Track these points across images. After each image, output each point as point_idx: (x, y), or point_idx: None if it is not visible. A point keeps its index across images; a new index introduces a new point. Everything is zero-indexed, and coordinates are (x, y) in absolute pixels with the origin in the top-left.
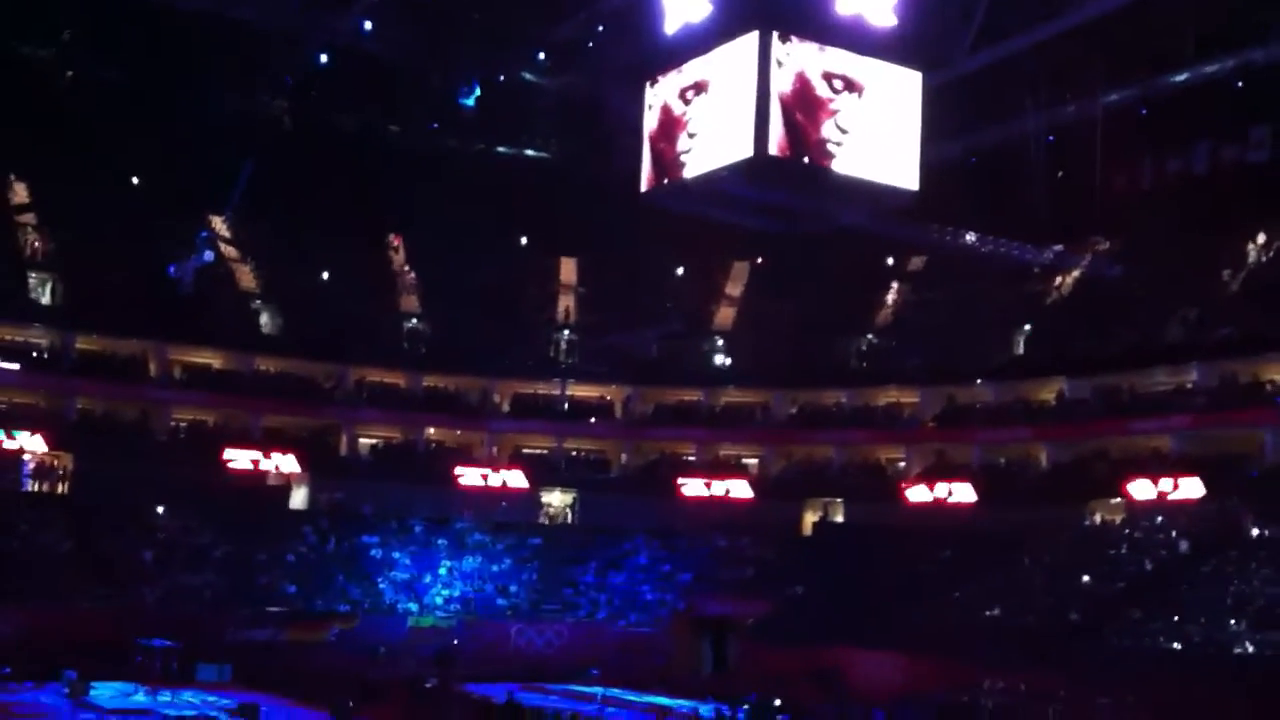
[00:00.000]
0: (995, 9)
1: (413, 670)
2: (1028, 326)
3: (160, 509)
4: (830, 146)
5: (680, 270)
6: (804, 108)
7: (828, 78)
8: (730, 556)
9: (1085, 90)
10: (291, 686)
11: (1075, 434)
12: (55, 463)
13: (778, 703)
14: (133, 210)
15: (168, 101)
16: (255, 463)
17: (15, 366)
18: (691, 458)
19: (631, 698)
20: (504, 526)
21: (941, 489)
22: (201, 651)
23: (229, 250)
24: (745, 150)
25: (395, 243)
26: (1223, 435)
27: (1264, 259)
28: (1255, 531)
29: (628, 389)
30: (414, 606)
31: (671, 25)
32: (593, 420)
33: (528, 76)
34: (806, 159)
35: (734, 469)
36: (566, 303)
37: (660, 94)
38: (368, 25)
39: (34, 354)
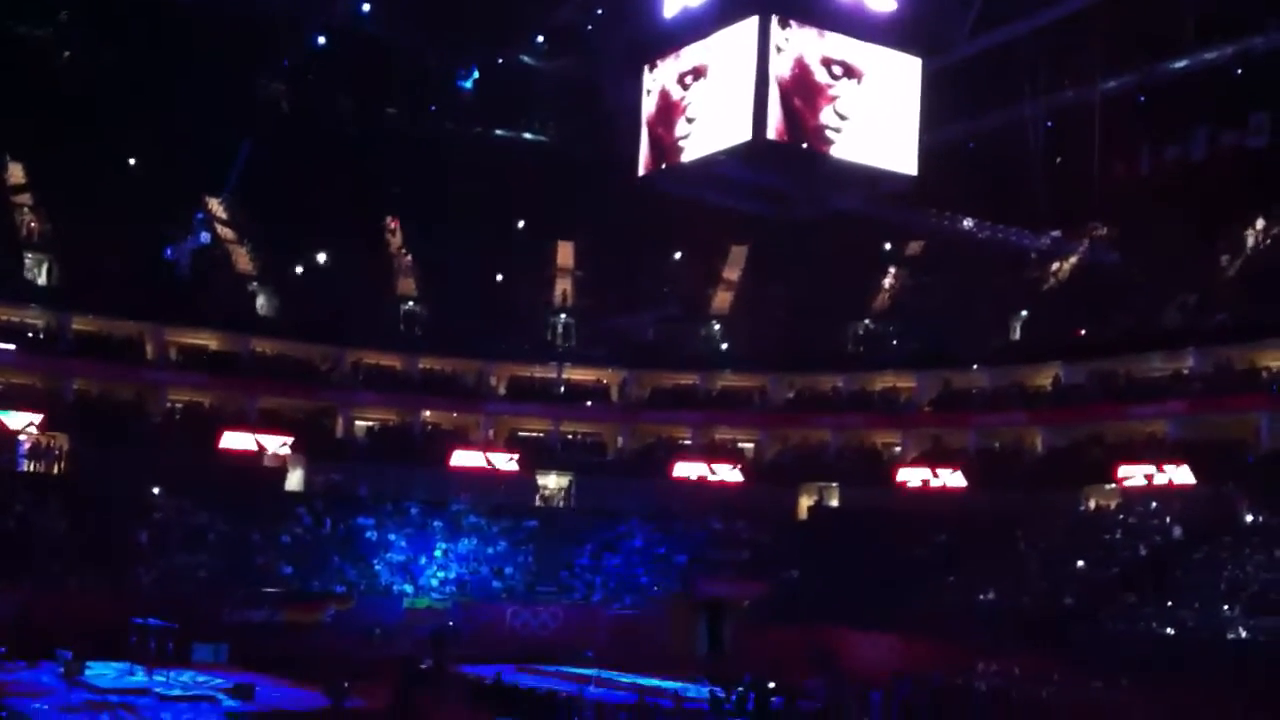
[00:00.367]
0: None
1: (408, 651)
2: (1025, 312)
3: (156, 490)
4: (829, 132)
5: (677, 254)
6: (803, 93)
7: (827, 63)
8: (726, 540)
9: (1084, 76)
10: (287, 667)
11: (1071, 419)
12: (51, 443)
13: (772, 684)
14: (129, 191)
15: (165, 83)
16: (251, 444)
17: (11, 347)
18: (687, 441)
19: (626, 679)
20: (500, 509)
21: (937, 473)
22: (197, 632)
23: (225, 232)
24: (744, 135)
25: (392, 226)
26: (1218, 421)
27: (1262, 245)
28: (1250, 517)
29: (624, 373)
30: (409, 588)
31: (670, 9)
32: (589, 404)
33: (526, 60)
34: (805, 144)
35: (730, 453)
36: (563, 286)
37: (658, 78)
38: (365, 7)
39: (30, 335)
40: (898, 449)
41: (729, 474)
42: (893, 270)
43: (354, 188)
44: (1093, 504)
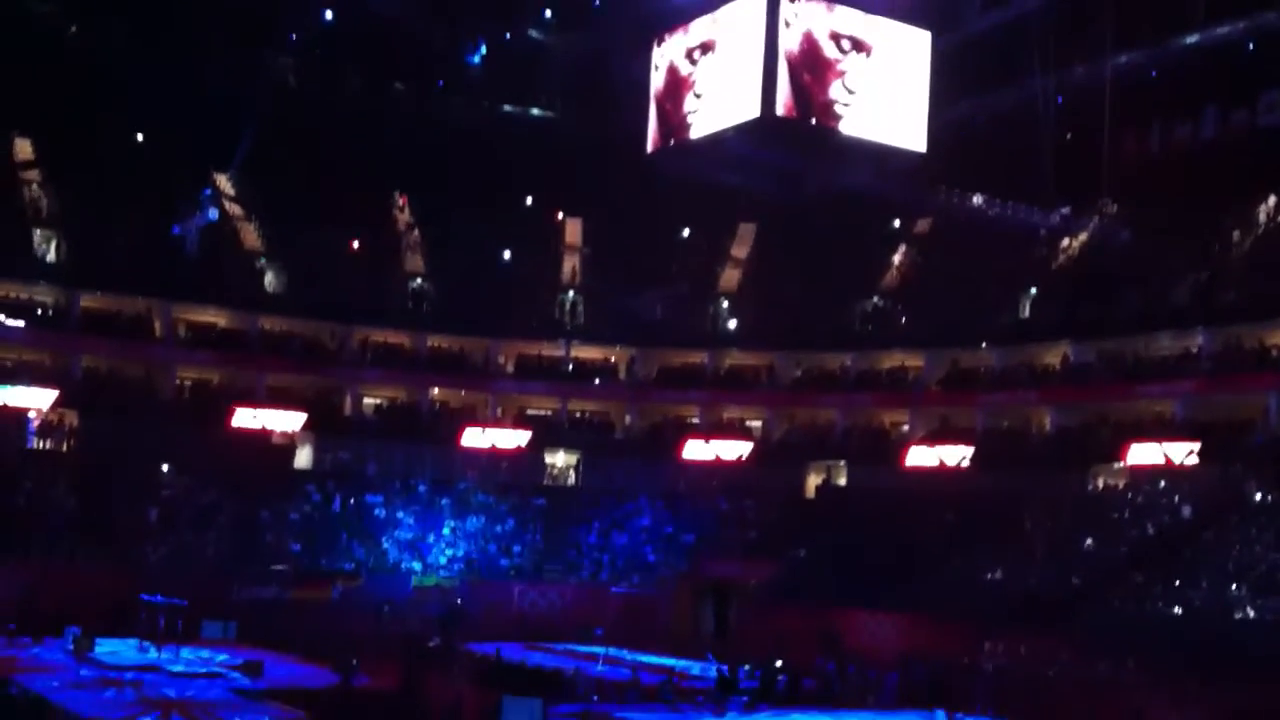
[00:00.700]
0: None
1: (416, 629)
2: (1034, 290)
3: (165, 467)
4: (837, 108)
5: (686, 232)
6: (811, 68)
7: (835, 38)
8: (733, 519)
9: (1095, 52)
10: (296, 644)
11: (1079, 398)
12: (60, 420)
13: (779, 663)
14: (137, 167)
15: (173, 58)
16: (260, 422)
17: (20, 324)
18: (695, 420)
19: (634, 658)
20: (508, 487)
21: (945, 453)
22: (206, 609)
23: (233, 209)
24: (752, 111)
25: (400, 202)
26: (1227, 401)
27: (1273, 224)
28: (1258, 497)
29: (632, 351)
30: (418, 566)
31: None
32: (596, 382)
33: (533, 35)
34: (813, 120)
35: (737, 431)
36: (571, 263)
37: (667, 54)
38: None
39: (39, 311)
40: (905, 428)
41: (736, 453)
42: (901, 248)
43: (362, 164)
44: (1100, 484)
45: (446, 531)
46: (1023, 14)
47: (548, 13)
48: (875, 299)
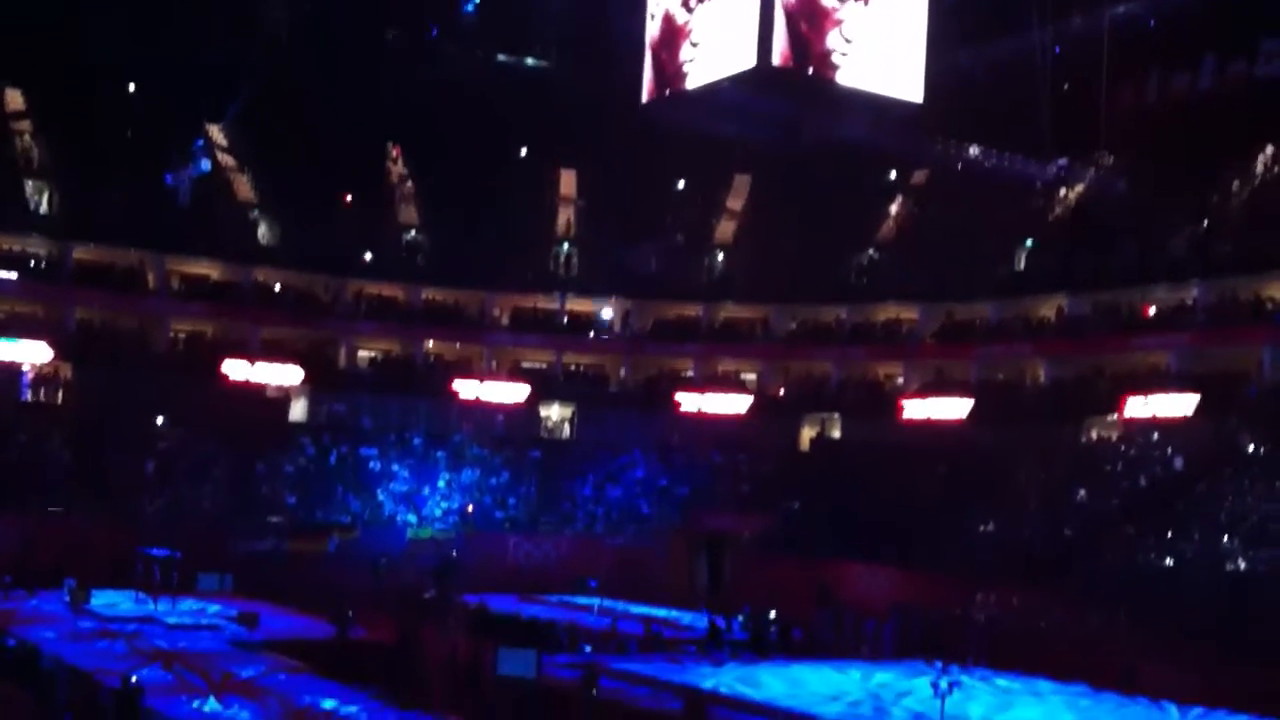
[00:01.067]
0: None
1: (412, 581)
2: (1030, 242)
3: (160, 420)
4: (835, 57)
5: (681, 184)
6: (808, 17)
7: None
8: (728, 472)
9: (1092, 2)
10: (292, 596)
11: (1074, 351)
12: (55, 373)
13: (772, 614)
14: (129, 118)
15: (165, 7)
16: (254, 375)
17: (13, 276)
18: (690, 373)
19: (628, 609)
20: (502, 440)
21: (939, 405)
22: (202, 561)
23: (226, 159)
24: (748, 61)
25: (394, 153)
26: (1222, 353)
27: (1270, 175)
28: (1251, 449)
29: (627, 303)
30: (413, 518)
31: None
32: (591, 334)
33: None
34: (810, 70)
35: (733, 385)
36: (566, 215)
37: (663, 2)
38: None
39: (31, 264)
40: (900, 381)
41: (731, 406)
42: (897, 200)
43: (355, 115)
44: (1094, 435)
45: (442, 484)
46: None
47: None
48: (871, 251)
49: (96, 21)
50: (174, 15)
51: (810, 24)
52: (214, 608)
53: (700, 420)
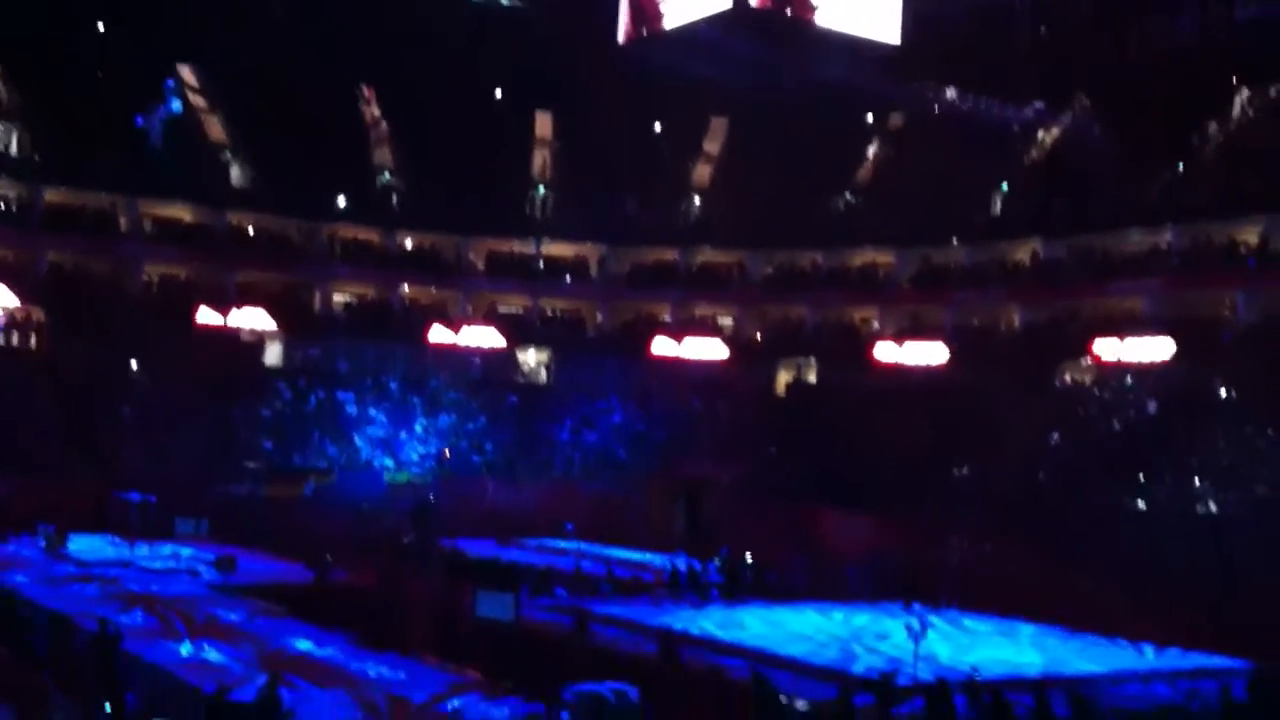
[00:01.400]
0: None
1: (391, 526)
2: (1005, 186)
3: (135, 364)
4: None
5: (658, 126)
6: None
7: None
8: (704, 417)
9: None
10: (269, 541)
11: (1049, 295)
12: (29, 317)
13: (748, 558)
14: (99, 58)
15: None
16: (228, 319)
17: None
18: (667, 318)
19: (605, 553)
20: (479, 385)
21: (914, 350)
22: (179, 506)
23: (197, 100)
24: (725, 2)
25: (368, 95)
26: (1196, 298)
27: (1247, 119)
28: (1224, 393)
29: (603, 248)
30: (390, 463)
31: None
32: (568, 279)
33: None
34: (788, 11)
35: (709, 329)
36: (542, 158)
37: None
38: None
39: (1, 207)
40: (876, 326)
41: (708, 351)
42: (874, 144)
43: (328, 55)
44: (1069, 380)
45: (419, 429)
46: None
47: None
48: (847, 195)
49: None
50: None
51: None
52: (190, 551)
53: (677, 365)
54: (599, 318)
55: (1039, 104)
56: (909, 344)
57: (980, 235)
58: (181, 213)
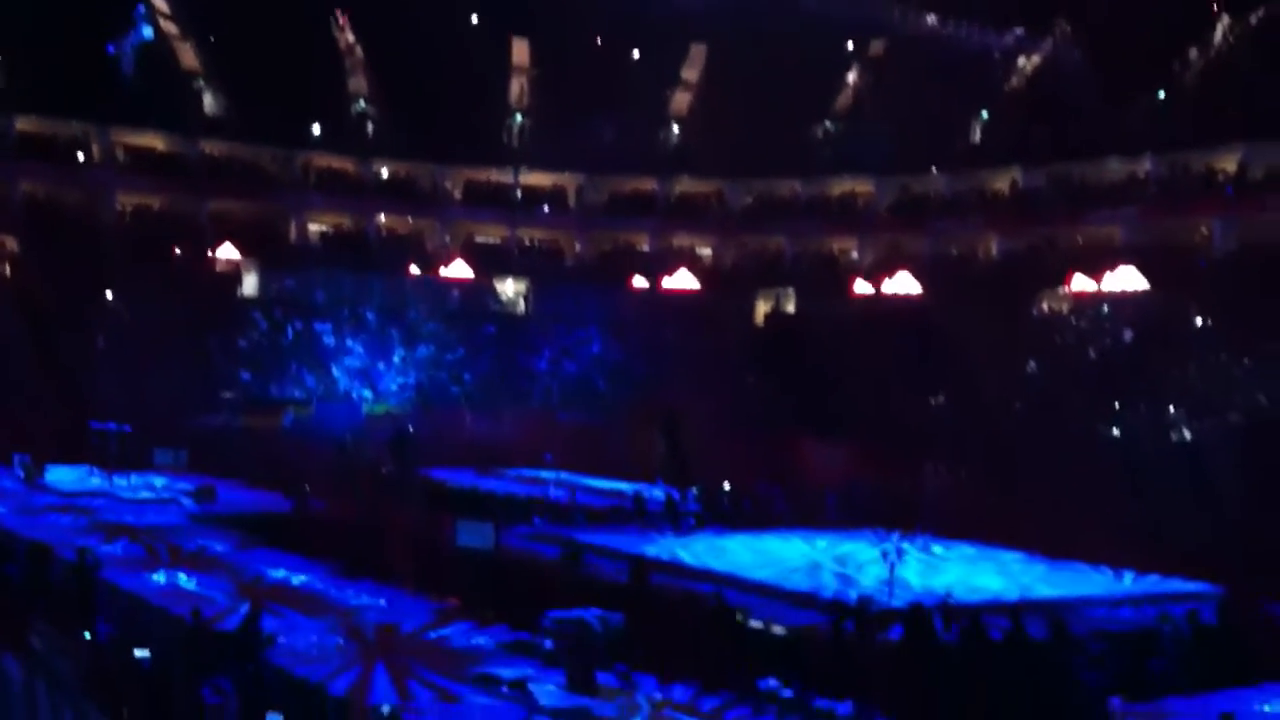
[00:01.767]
0: None
1: (370, 456)
2: (985, 114)
3: (109, 294)
4: None
5: (636, 53)
6: None
7: None
8: (683, 347)
9: None
10: (247, 471)
11: (1028, 224)
12: (1, 245)
13: (727, 487)
14: None
15: None
16: (203, 248)
17: None
18: (645, 248)
19: (585, 482)
20: (457, 315)
21: (893, 280)
22: (157, 437)
23: (169, 27)
24: None
25: (341, 21)
26: (1173, 226)
27: (1227, 47)
28: (1199, 321)
29: (581, 177)
30: (368, 394)
31: None
32: (546, 209)
33: None
34: None
35: (688, 259)
36: (519, 85)
37: None
38: None
39: None
40: (854, 255)
41: (686, 281)
42: (854, 71)
43: None
44: (1045, 308)
45: (397, 360)
46: None
47: None
48: (827, 123)
49: None
50: None
51: None
52: (168, 481)
53: (655, 296)
54: (577, 247)
55: (1019, 31)
56: (888, 274)
57: (960, 164)
58: (154, 141)
